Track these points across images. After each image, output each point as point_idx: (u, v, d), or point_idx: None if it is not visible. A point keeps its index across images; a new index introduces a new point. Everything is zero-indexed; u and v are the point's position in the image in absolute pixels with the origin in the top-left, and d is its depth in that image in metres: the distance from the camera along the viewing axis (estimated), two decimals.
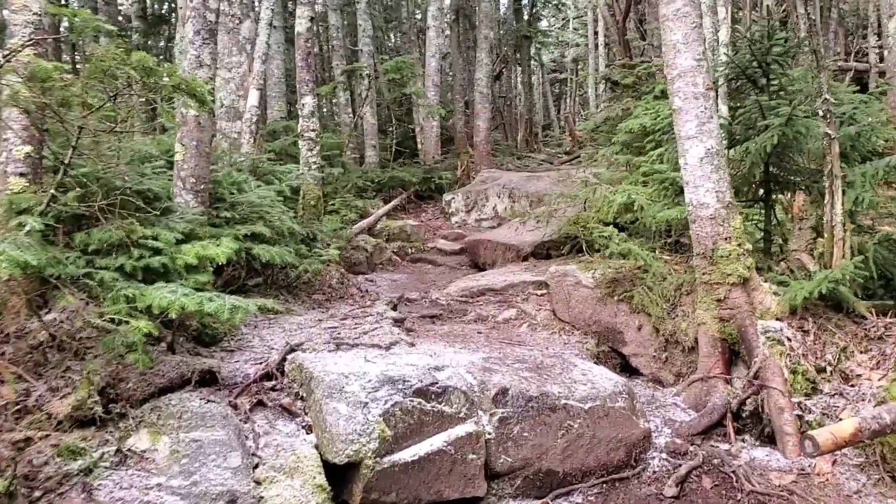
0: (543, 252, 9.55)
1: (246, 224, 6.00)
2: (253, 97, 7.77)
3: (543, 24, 36.75)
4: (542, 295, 7.11)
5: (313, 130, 7.99)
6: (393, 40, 26.55)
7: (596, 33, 35.77)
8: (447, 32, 22.26)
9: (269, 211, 6.23)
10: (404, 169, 14.24)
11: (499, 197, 13.65)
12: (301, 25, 7.90)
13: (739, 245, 5.20)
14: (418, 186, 14.51)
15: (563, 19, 41.89)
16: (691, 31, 5.17)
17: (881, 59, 13.74)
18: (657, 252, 6.60)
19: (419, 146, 16.72)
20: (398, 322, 5.83)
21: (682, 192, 5.93)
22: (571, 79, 45.30)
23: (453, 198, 13.98)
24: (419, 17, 24.54)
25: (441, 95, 20.69)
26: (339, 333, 5.36)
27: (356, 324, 5.64)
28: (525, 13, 27.03)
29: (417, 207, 14.52)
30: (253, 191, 6.39)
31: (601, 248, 8.43)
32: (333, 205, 10.66)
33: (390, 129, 16.20)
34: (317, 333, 5.33)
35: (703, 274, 5.25)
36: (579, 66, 44.05)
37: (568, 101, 46.46)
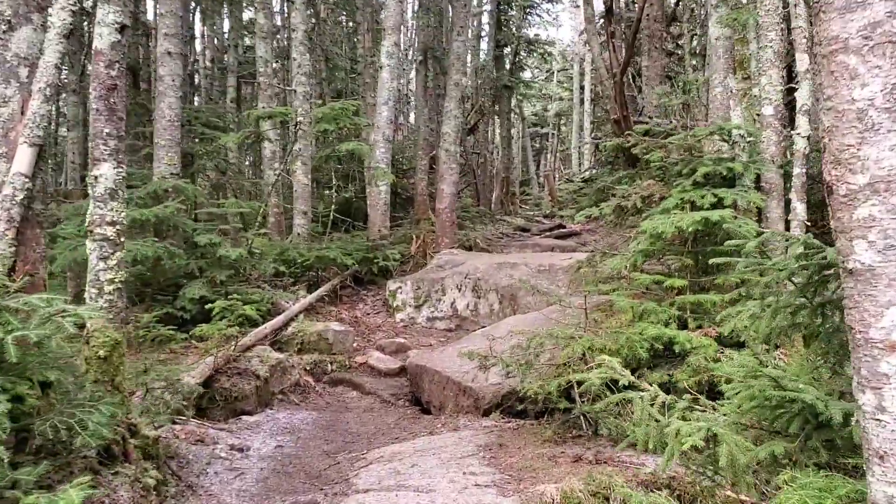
0: (514, 407, 6.28)
1: None
2: (22, 159, 4.46)
3: (527, 74, 34.07)
4: None
5: (112, 224, 4.48)
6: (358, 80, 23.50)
7: (582, 88, 33.18)
8: (412, 76, 19.21)
9: None
10: (339, 245, 10.93)
11: (459, 290, 10.38)
12: (102, 39, 4.47)
13: None
14: (357, 267, 11.19)
15: (547, 71, 39.50)
16: None
17: None
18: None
19: (370, 209, 13.45)
20: None
21: (816, 422, 2.72)
22: (553, 134, 42.87)
23: (400, 287, 10.68)
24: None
25: (399, 151, 17.55)
26: None
27: None
28: (507, 61, 24.17)
29: (355, 294, 11.18)
30: None
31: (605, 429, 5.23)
32: (214, 308, 7.30)
33: (329, 191, 12.95)
34: None
35: None
36: (562, 121, 41.60)
37: (549, 156, 43.90)
